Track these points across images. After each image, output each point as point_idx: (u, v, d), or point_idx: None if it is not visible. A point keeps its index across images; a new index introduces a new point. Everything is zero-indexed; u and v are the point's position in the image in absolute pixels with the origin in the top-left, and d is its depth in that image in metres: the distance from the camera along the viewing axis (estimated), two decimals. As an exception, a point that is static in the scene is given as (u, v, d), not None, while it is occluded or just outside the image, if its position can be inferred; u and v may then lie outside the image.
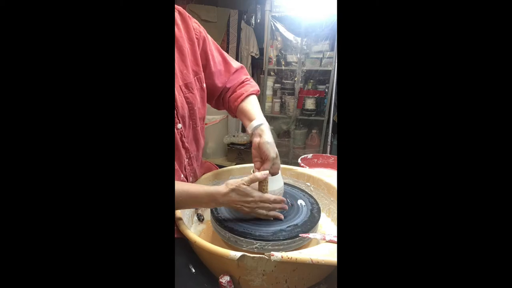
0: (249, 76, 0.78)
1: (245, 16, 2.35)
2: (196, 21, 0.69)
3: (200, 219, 0.70)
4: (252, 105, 0.70)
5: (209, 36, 0.72)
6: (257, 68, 2.45)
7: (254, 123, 0.64)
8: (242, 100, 0.71)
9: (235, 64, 0.76)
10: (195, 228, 0.67)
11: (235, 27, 2.36)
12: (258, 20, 2.32)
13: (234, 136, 2.23)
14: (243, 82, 0.75)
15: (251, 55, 2.34)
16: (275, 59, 2.07)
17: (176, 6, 0.64)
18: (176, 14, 0.63)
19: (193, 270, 0.51)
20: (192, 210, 0.70)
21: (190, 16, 0.67)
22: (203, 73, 0.68)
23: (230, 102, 0.73)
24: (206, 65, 0.70)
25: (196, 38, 0.66)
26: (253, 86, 0.75)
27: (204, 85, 0.68)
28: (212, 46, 0.72)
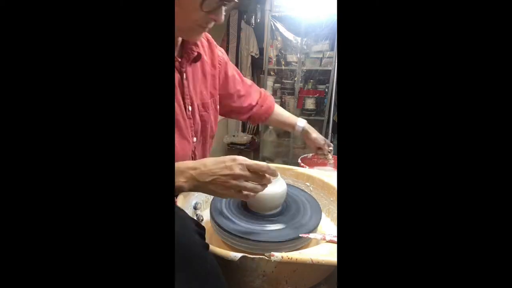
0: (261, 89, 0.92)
1: (245, 16, 2.35)
2: (222, 50, 0.79)
3: (200, 219, 0.69)
4: (284, 112, 0.91)
5: (230, 62, 0.82)
6: (257, 68, 2.45)
7: (300, 124, 0.86)
8: (273, 110, 0.88)
9: (248, 81, 0.87)
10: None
11: (235, 27, 2.36)
12: (258, 20, 2.32)
13: (234, 136, 2.23)
14: (264, 99, 0.88)
15: (251, 55, 2.34)
16: (275, 59, 2.07)
17: (205, 33, 0.71)
18: (204, 41, 0.72)
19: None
20: (192, 210, 0.70)
21: (216, 45, 0.76)
22: (218, 96, 0.76)
23: (261, 114, 0.87)
24: (227, 86, 0.79)
25: (219, 64, 0.75)
26: (271, 96, 0.92)
27: (218, 106, 0.77)
28: (234, 71, 0.81)
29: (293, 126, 0.87)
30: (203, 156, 0.75)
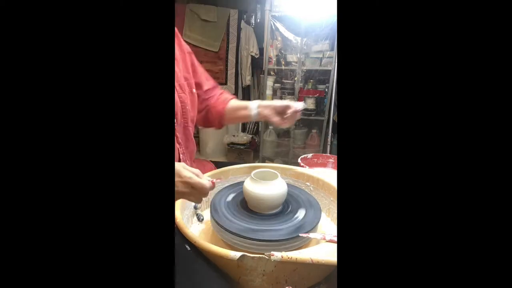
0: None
1: (245, 16, 2.35)
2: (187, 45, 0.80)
3: (200, 219, 0.70)
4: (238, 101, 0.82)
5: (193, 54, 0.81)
6: (257, 68, 2.45)
7: (253, 104, 0.76)
8: (228, 102, 0.82)
9: (211, 82, 0.84)
10: (194, 228, 0.67)
11: (235, 27, 2.36)
12: (258, 20, 2.32)
13: (234, 136, 2.23)
14: (221, 93, 0.85)
15: (251, 55, 2.34)
16: (275, 59, 2.07)
17: None
18: None
19: (189, 248, 0.51)
20: (192, 210, 0.70)
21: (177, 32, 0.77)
22: (193, 80, 0.75)
23: (218, 105, 0.81)
24: (193, 74, 0.78)
25: (187, 52, 0.76)
26: (230, 94, 0.86)
27: (194, 90, 0.75)
28: (199, 65, 0.81)
29: (245, 107, 0.77)
30: (186, 140, 0.74)
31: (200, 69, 0.81)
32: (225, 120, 0.83)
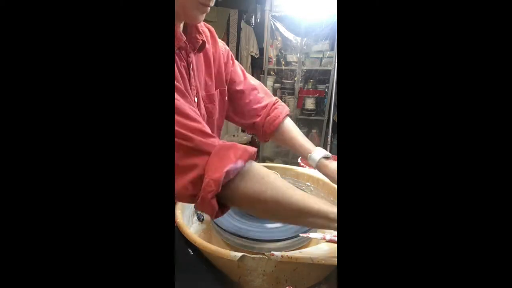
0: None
1: (245, 16, 2.35)
2: (223, 42, 0.74)
3: (200, 219, 0.70)
4: (297, 131, 0.72)
5: (233, 56, 0.76)
6: (257, 68, 2.45)
7: (316, 155, 0.66)
8: (280, 122, 0.72)
9: (254, 81, 0.76)
10: (195, 228, 0.67)
11: (235, 27, 2.36)
12: (258, 20, 2.32)
13: (234, 136, 2.23)
14: (274, 103, 0.76)
15: (251, 55, 2.34)
16: (275, 59, 2.07)
17: (206, 24, 0.69)
18: (206, 31, 0.68)
19: (192, 253, 0.51)
20: (192, 209, 0.70)
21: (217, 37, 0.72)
22: (226, 88, 0.71)
23: (265, 126, 0.73)
24: (236, 83, 0.73)
25: (222, 55, 0.71)
26: (284, 105, 0.76)
27: (226, 98, 0.71)
28: (238, 66, 0.75)
29: (305, 155, 0.68)
30: None
31: (234, 72, 0.74)
32: (273, 138, 0.75)
